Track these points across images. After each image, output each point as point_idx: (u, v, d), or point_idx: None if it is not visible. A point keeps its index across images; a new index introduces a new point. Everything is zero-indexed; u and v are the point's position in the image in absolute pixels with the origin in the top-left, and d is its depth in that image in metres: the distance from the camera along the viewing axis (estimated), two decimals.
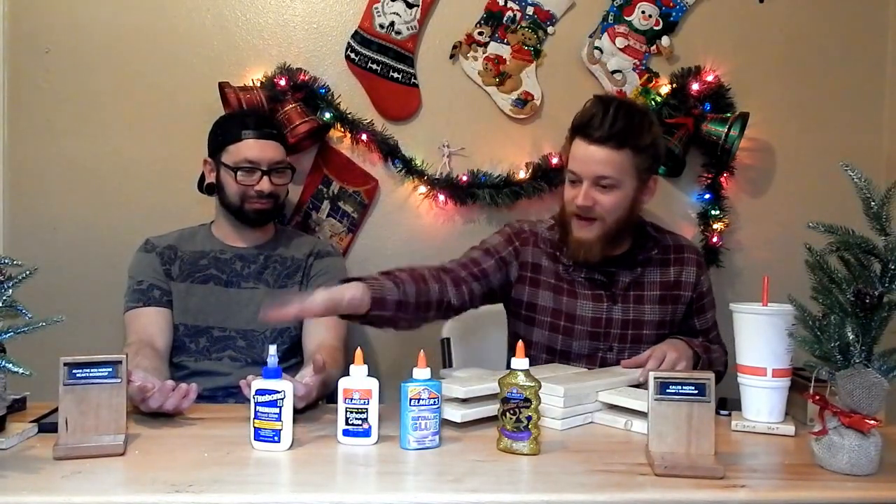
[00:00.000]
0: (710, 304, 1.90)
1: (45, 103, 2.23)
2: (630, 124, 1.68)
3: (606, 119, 1.67)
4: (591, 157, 1.69)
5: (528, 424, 1.26)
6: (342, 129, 2.25)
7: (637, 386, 1.56)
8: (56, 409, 1.28)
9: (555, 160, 2.24)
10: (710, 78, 2.26)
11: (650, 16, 2.28)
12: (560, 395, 1.42)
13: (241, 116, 1.96)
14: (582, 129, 1.71)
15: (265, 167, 1.87)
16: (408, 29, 2.26)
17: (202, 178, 2.02)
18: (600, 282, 1.80)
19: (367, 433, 1.30)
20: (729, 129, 2.18)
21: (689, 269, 1.85)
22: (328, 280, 1.90)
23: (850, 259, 1.20)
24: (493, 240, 1.86)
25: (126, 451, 1.24)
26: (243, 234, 1.94)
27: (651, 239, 1.85)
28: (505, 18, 2.27)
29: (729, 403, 1.52)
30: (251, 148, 1.86)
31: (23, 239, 2.24)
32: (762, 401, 1.42)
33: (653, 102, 2.25)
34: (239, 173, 1.85)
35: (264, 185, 1.87)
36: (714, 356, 1.82)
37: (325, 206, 2.28)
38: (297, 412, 1.35)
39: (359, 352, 1.33)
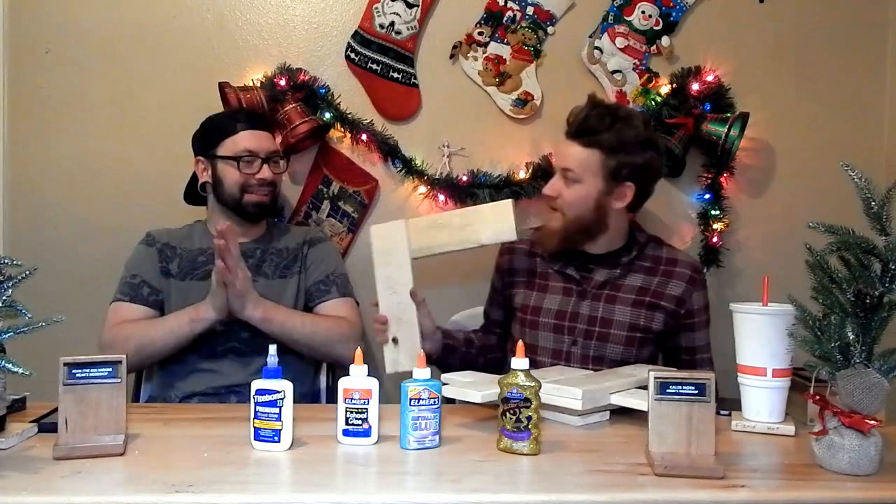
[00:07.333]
0: (700, 324, 1.83)
1: (45, 103, 2.23)
2: (601, 124, 1.73)
3: (581, 115, 1.76)
4: (562, 149, 1.80)
5: (528, 424, 1.26)
6: (342, 129, 2.25)
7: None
8: (56, 409, 1.28)
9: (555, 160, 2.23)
10: (710, 78, 2.26)
11: (650, 16, 2.28)
12: (578, 397, 1.41)
13: (229, 113, 2.02)
14: (567, 123, 1.80)
15: (263, 156, 1.92)
16: (408, 29, 2.25)
17: (190, 184, 2.04)
18: (573, 277, 1.83)
19: (367, 433, 1.30)
20: (729, 129, 2.18)
21: (678, 283, 1.80)
22: (325, 267, 1.95)
23: (850, 259, 1.20)
24: (494, 276, 1.99)
25: (126, 451, 1.25)
26: (239, 230, 1.94)
27: (641, 246, 1.84)
28: (505, 18, 2.26)
29: (729, 403, 1.52)
30: (248, 139, 1.91)
31: (23, 239, 2.24)
32: (762, 401, 1.42)
33: (653, 102, 2.24)
34: (241, 163, 1.89)
35: (265, 172, 1.92)
36: None
37: (325, 206, 2.28)
38: (296, 412, 1.34)
39: (359, 352, 1.33)
